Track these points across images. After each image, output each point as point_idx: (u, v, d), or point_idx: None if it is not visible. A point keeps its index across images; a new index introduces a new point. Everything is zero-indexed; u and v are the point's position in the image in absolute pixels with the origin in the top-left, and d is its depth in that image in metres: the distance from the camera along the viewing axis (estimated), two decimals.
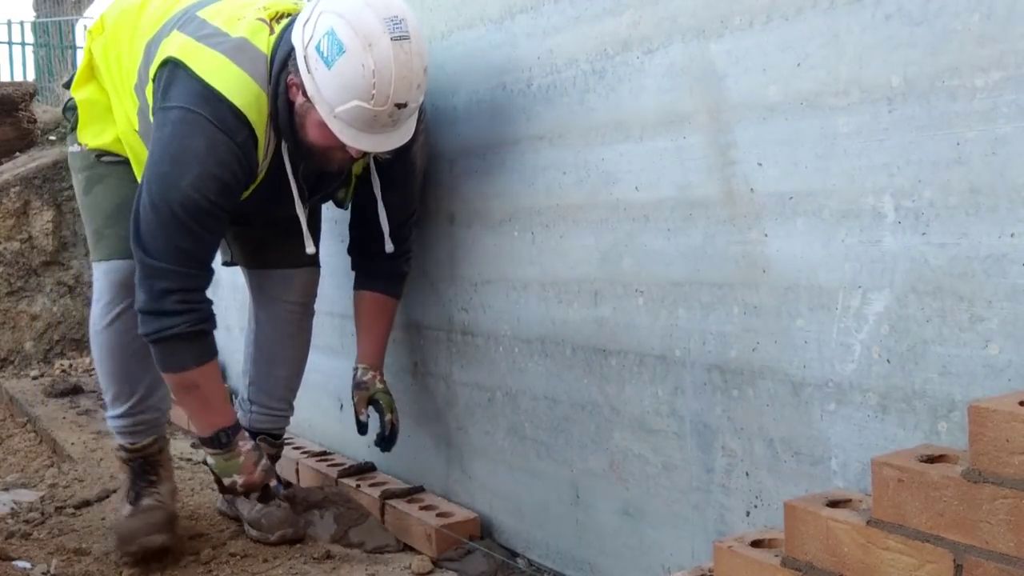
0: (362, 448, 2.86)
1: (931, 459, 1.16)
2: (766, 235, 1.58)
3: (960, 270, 1.32)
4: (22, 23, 10.98)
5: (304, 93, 2.02)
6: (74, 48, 10.45)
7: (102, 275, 2.39)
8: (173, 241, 2.05)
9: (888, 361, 1.41)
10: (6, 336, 5.03)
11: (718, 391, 1.69)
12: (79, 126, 2.42)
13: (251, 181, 2.15)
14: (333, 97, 1.97)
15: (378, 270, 2.43)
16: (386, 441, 2.41)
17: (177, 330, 2.08)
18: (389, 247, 2.33)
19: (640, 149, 1.80)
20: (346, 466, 2.73)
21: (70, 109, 2.47)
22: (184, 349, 2.12)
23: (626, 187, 1.84)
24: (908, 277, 1.38)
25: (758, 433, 1.63)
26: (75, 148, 2.44)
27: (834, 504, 1.28)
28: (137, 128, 2.29)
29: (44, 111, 6.12)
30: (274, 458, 2.61)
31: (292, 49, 2.03)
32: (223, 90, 2.05)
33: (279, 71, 2.08)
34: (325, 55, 1.95)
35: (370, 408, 2.42)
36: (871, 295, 1.43)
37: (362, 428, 2.42)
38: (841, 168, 1.46)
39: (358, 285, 2.47)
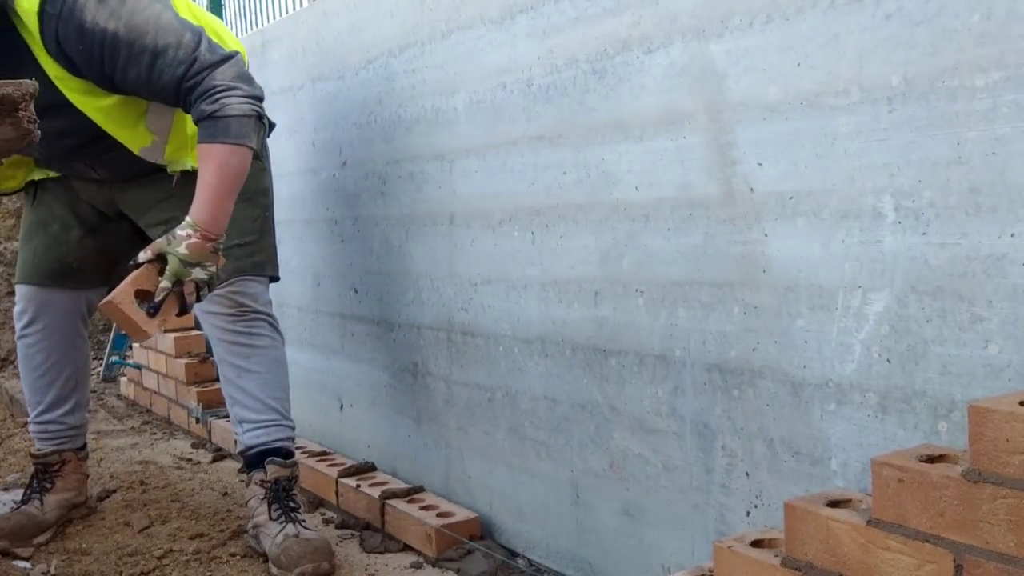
0: (362, 448, 2.87)
1: (931, 459, 1.16)
2: (766, 235, 1.58)
3: (960, 270, 1.32)
4: None
5: None
6: None
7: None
8: None
9: (888, 361, 1.41)
10: (6, 336, 5.03)
11: (718, 391, 1.70)
12: None
13: None
14: None
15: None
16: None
17: None
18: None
19: (640, 149, 1.80)
20: (346, 466, 2.73)
21: None
22: None
23: (626, 187, 1.84)
24: (908, 277, 1.38)
25: (758, 433, 1.63)
26: None
27: (834, 504, 1.28)
28: None
29: None
30: (292, 479, 2.35)
31: None
32: None
33: None
34: None
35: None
36: (871, 295, 1.43)
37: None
38: (841, 168, 1.46)
39: None
